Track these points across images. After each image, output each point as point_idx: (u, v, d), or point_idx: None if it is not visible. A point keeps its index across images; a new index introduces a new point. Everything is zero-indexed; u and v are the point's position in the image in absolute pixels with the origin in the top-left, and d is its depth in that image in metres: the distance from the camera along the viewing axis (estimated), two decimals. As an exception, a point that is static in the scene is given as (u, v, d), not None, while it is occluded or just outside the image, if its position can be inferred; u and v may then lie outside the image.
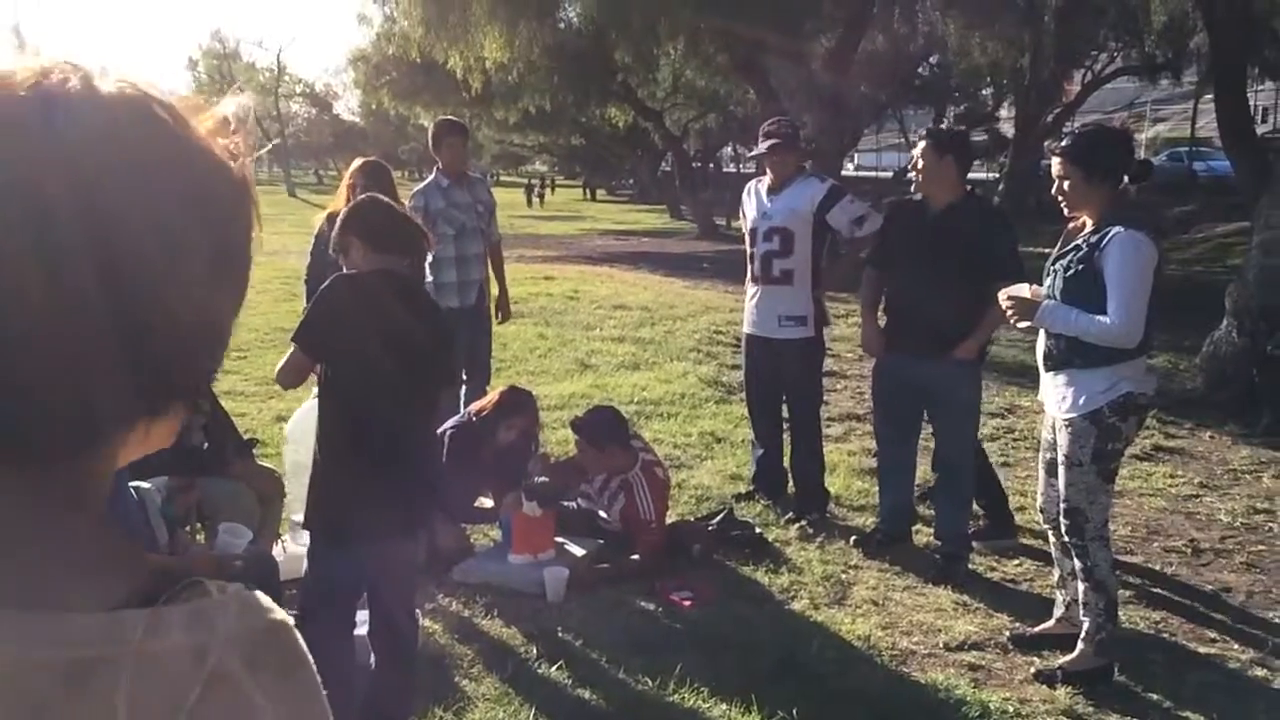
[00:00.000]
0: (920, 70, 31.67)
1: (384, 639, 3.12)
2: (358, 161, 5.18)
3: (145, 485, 3.57)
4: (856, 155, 39.86)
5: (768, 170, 5.16)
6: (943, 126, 4.52)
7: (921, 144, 4.47)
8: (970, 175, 4.66)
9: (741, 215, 5.44)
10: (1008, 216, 5.39)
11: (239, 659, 0.56)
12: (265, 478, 4.45)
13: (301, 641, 0.60)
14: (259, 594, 0.60)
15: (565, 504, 4.86)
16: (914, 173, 4.52)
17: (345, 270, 3.05)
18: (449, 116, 6.42)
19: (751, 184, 5.32)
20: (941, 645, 3.91)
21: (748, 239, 5.25)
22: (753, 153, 5.39)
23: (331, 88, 65.27)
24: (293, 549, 4.22)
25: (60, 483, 0.60)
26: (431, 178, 5.84)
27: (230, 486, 4.21)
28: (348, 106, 62.99)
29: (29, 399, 0.56)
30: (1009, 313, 3.64)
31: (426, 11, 17.11)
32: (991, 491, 5.02)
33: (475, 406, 5.04)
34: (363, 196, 3.36)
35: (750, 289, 5.26)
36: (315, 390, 3.33)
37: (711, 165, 42.72)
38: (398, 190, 4.92)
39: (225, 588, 0.58)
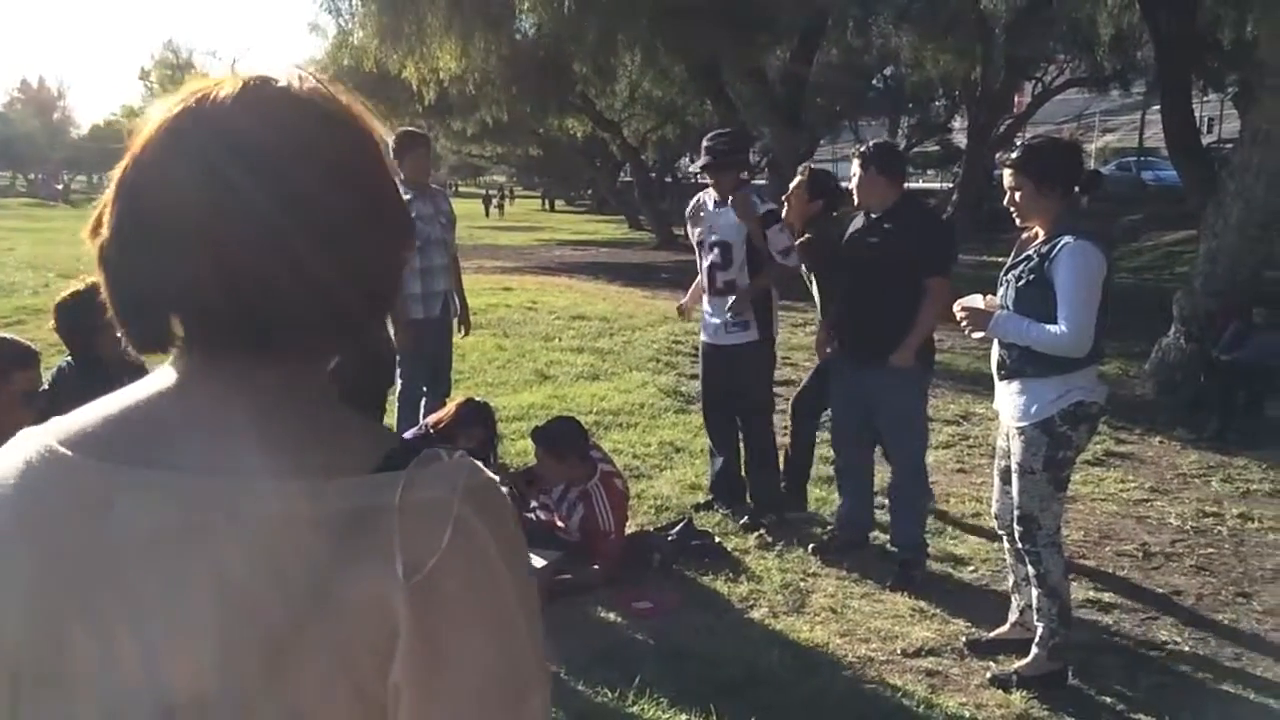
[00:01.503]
0: (874, 82, 32.04)
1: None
2: None
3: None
4: (813, 166, 40.16)
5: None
6: (870, 143, 4.75)
7: (854, 163, 4.70)
8: (929, 185, 4.81)
9: (688, 226, 5.48)
10: (939, 216, 5.58)
11: (471, 507, 0.74)
12: None
13: (507, 493, 0.80)
14: (473, 459, 0.79)
15: (524, 515, 4.84)
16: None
17: None
18: (411, 128, 6.36)
19: (700, 196, 5.36)
20: (899, 652, 3.94)
21: (696, 251, 5.35)
22: (694, 165, 5.46)
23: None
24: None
25: (311, 375, 0.82)
26: None
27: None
28: (303, 117, 62.37)
29: (290, 304, 0.76)
30: (963, 323, 3.68)
31: (382, 22, 17.03)
32: (796, 464, 5.47)
33: (433, 419, 5.01)
34: None
35: (704, 299, 5.31)
36: None
37: (670, 177, 42.86)
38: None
39: (453, 453, 0.77)
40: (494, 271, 18.30)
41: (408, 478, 0.73)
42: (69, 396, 3.33)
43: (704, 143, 5.24)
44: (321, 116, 0.80)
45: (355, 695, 0.72)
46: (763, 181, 19.05)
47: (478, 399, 5.27)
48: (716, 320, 5.23)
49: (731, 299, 5.10)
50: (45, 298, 9.89)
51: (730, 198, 5.08)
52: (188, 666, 0.73)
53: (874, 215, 4.62)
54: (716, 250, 5.12)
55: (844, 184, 5.10)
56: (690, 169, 43.81)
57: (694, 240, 5.39)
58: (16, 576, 0.78)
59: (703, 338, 5.44)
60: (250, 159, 0.75)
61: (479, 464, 0.78)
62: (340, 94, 0.83)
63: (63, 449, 0.79)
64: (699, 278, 5.39)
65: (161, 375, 0.81)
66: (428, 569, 0.71)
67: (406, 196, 5.70)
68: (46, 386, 3.24)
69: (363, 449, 0.77)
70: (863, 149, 4.69)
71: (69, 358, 3.69)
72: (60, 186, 57.83)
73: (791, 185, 5.39)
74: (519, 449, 6.02)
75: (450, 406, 5.05)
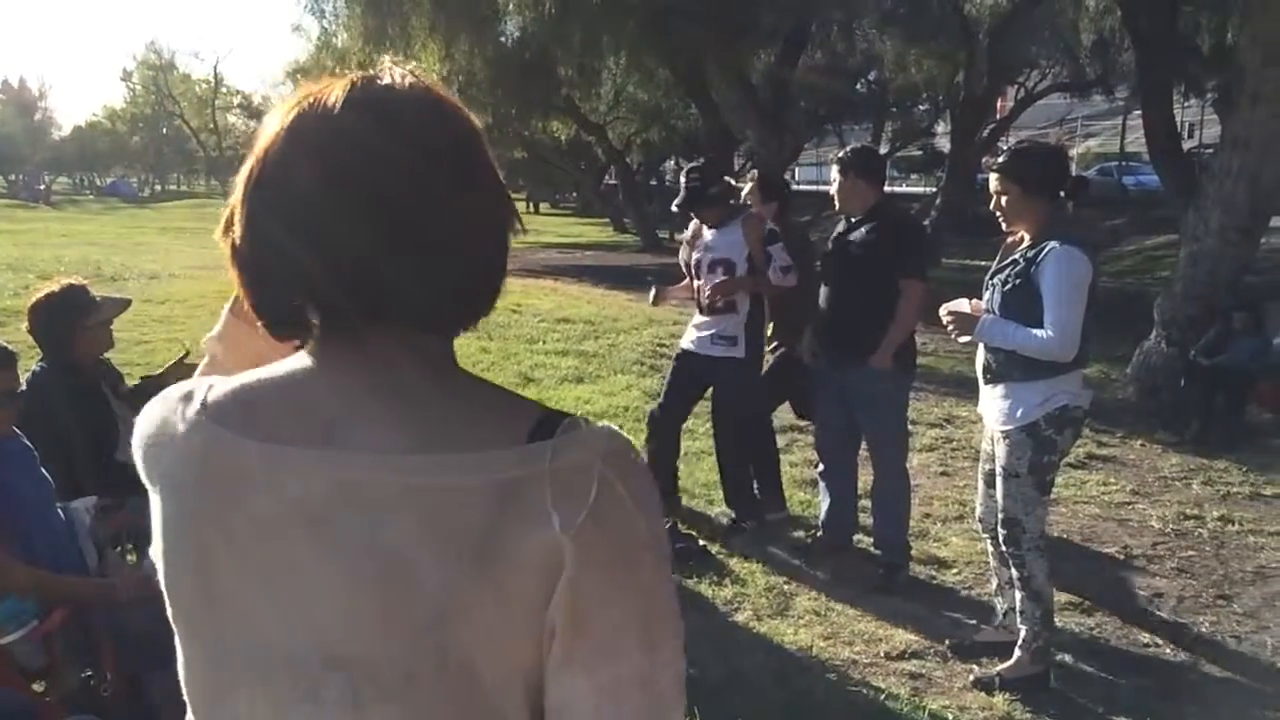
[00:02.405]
0: (858, 86, 32.10)
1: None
2: None
3: (74, 505, 3.47)
4: (797, 169, 40.23)
5: None
6: (850, 148, 4.78)
7: (834, 168, 4.75)
8: (913, 190, 4.83)
9: (685, 250, 5.45)
10: (913, 218, 5.66)
11: (612, 469, 0.81)
12: None
13: (640, 454, 0.86)
14: (611, 425, 0.85)
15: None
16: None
17: None
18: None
19: (696, 223, 5.31)
20: (882, 654, 3.94)
21: (690, 272, 5.29)
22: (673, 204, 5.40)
23: (270, 100, 64.43)
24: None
25: (445, 355, 0.90)
26: None
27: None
28: (286, 118, 62.15)
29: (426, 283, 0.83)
30: (949, 327, 3.68)
31: (365, 24, 16.99)
32: (762, 466, 5.41)
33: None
34: None
35: (696, 316, 5.26)
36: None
37: (654, 180, 42.87)
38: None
39: (590, 421, 0.84)
40: (478, 274, 18.23)
41: (555, 445, 0.81)
42: (50, 399, 3.27)
43: (679, 179, 5.27)
44: (425, 110, 0.85)
45: (516, 647, 0.80)
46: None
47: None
48: (705, 333, 5.17)
49: (729, 315, 5.08)
50: (25, 299, 9.78)
51: (736, 219, 5.08)
52: (352, 631, 0.80)
53: (854, 219, 4.64)
54: (720, 269, 5.07)
55: (820, 186, 5.10)
56: (675, 171, 43.86)
57: (687, 262, 5.33)
58: (186, 548, 0.87)
59: (682, 344, 5.38)
60: (363, 153, 0.81)
61: (616, 429, 0.85)
62: (438, 87, 0.88)
63: (218, 425, 0.85)
64: (686, 281, 5.37)
65: (302, 358, 0.87)
66: (578, 524, 0.78)
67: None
68: (24, 388, 3.22)
69: (511, 422, 0.84)
70: (842, 154, 4.74)
71: (42, 361, 3.66)
72: (42, 187, 57.36)
73: (744, 192, 5.45)
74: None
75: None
